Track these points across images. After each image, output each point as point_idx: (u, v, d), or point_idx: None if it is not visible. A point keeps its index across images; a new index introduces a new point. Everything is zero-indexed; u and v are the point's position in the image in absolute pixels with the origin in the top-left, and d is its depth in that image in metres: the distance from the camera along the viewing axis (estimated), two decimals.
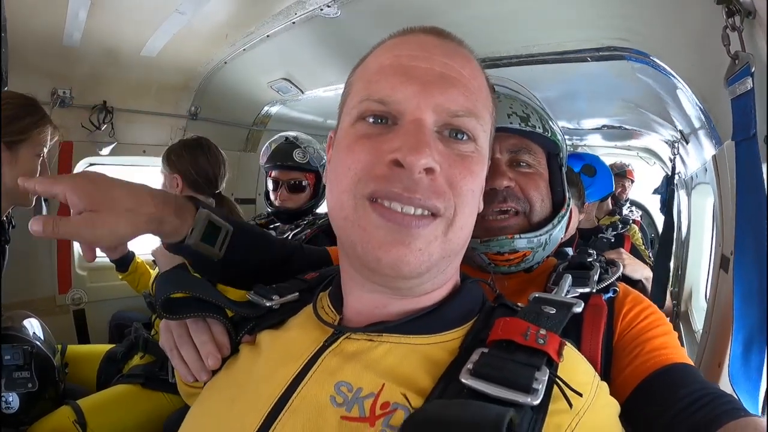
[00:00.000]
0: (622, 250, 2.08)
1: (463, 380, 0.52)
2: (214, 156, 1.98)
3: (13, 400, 1.34)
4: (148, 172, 1.98)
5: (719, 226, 1.31)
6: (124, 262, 2.03)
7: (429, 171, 0.59)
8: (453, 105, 0.61)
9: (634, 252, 2.25)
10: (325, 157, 2.00)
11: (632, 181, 3.56)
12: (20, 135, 1.40)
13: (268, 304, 0.76)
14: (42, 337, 1.62)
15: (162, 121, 2.43)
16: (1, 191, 1.36)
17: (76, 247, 2.30)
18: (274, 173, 2.13)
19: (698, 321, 1.80)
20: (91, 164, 2.26)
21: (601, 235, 2.35)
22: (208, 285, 0.80)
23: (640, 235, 2.85)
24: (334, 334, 0.65)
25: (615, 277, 0.89)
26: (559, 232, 0.97)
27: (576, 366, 0.60)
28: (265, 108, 2.80)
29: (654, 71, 1.39)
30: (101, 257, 2.21)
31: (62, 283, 2.21)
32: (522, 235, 0.91)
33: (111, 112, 2.09)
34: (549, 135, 0.97)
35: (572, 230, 2.18)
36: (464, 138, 0.63)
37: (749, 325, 0.85)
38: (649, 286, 1.97)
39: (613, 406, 0.61)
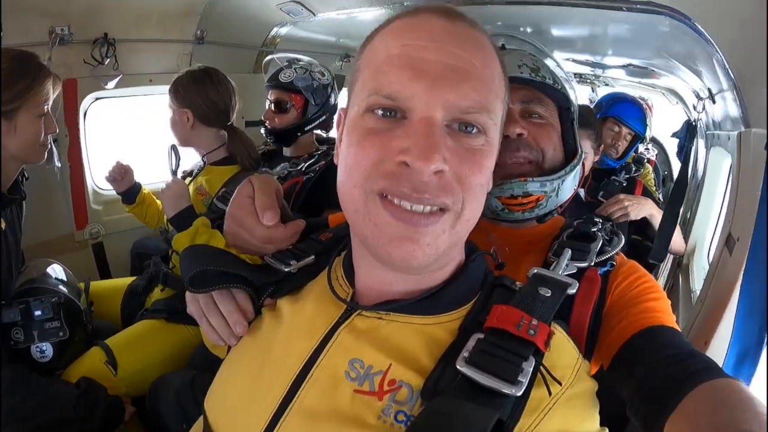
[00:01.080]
0: (622, 195, 2.10)
1: (458, 367, 0.59)
2: (224, 86, 1.91)
3: (47, 349, 1.45)
4: (156, 101, 1.92)
5: (732, 202, 1.30)
6: (131, 194, 2.02)
7: (438, 171, 0.60)
8: (464, 101, 0.61)
9: (647, 196, 2.25)
10: (316, 82, 2.07)
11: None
12: (13, 103, 1.37)
13: (286, 270, 0.81)
14: (66, 281, 1.70)
15: (167, 48, 2.33)
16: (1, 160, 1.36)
17: (90, 183, 2.33)
18: (267, 93, 2.14)
19: (697, 281, 1.83)
20: (97, 98, 2.21)
21: (613, 177, 2.33)
22: (229, 256, 0.84)
23: (653, 176, 2.83)
24: (347, 311, 0.71)
25: (616, 250, 0.93)
26: (572, 180, 1.00)
27: (561, 350, 0.66)
28: (275, 29, 2.67)
29: (693, 34, 1.30)
30: (113, 190, 2.21)
31: (79, 219, 2.26)
32: (535, 179, 0.94)
33: (113, 44, 2.00)
34: (559, 87, 0.99)
35: (587, 170, 2.17)
36: (474, 131, 0.63)
37: (747, 339, 0.89)
38: (655, 222, 2.01)
39: (590, 386, 0.66)
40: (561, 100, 1.02)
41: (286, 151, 2.27)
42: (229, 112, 1.94)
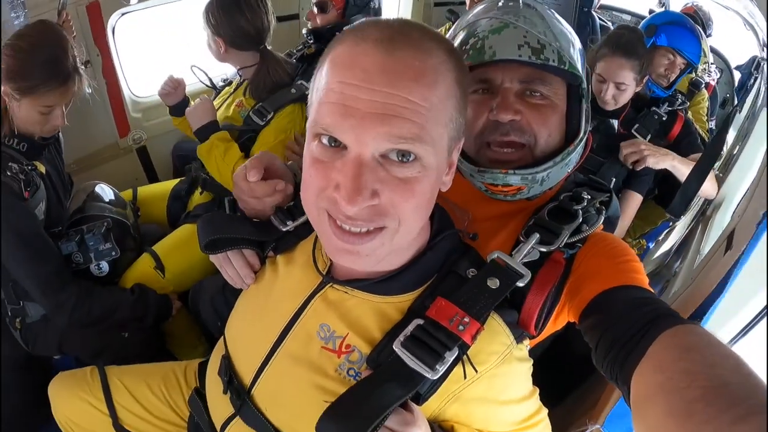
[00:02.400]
0: (640, 140, 1.97)
1: (394, 347, 0.74)
2: (253, 11, 1.85)
3: (103, 265, 1.70)
4: (180, 9, 1.87)
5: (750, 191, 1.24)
6: (181, 107, 2.07)
7: (368, 206, 0.67)
8: (395, 132, 0.65)
9: (684, 135, 2.12)
10: None
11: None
12: (19, 93, 1.45)
13: (284, 229, 0.95)
14: (112, 199, 1.89)
15: None
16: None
17: (127, 93, 2.40)
18: None
19: (709, 242, 1.81)
20: (123, 14, 2.17)
21: (654, 108, 2.16)
22: (238, 221, 0.99)
23: (707, 104, 2.57)
24: (323, 282, 0.87)
25: (590, 231, 0.95)
26: (562, 168, 0.99)
27: (492, 338, 0.78)
28: None
29: None
30: (151, 96, 2.30)
31: (121, 127, 2.39)
32: (516, 171, 0.95)
33: None
34: (566, 67, 0.94)
35: (624, 101, 2.04)
36: (411, 158, 0.67)
37: None
38: (680, 175, 1.91)
39: (516, 367, 0.80)
40: (569, 78, 0.97)
41: None
42: (262, 36, 1.90)
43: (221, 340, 1.04)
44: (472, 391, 0.76)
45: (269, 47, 1.96)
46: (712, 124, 2.65)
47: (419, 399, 0.75)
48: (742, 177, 1.92)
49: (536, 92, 0.96)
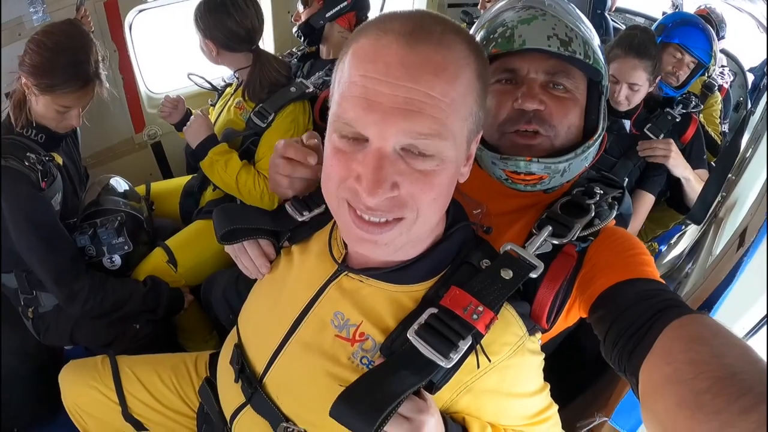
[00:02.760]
0: (671, 141, 1.97)
1: (408, 336, 0.74)
2: (242, 12, 1.84)
3: (116, 259, 1.72)
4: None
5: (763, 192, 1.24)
6: (185, 122, 2.11)
7: (388, 197, 0.69)
8: (417, 128, 0.66)
9: (696, 141, 2.11)
10: None
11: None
12: (38, 88, 1.47)
13: (300, 219, 0.97)
14: (126, 191, 1.92)
15: None
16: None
17: (143, 89, 2.43)
18: None
19: (720, 245, 1.80)
20: (141, 11, 2.21)
21: (668, 110, 2.14)
22: (253, 212, 1.02)
23: (720, 107, 2.54)
24: (338, 270, 0.87)
25: (603, 224, 0.96)
26: (581, 161, 1.00)
27: (505, 329, 0.78)
28: None
29: None
30: (166, 92, 2.33)
31: (136, 123, 2.43)
32: (540, 160, 0.95)
33: None
34: (590, 62, 0.96)
35: (637, 101, 2.03)
36: (429, 153, 0.68)
37: None
38: (689, 188, 1.95)
39: (529, 359, 0.80)
40: (591, 73, 0.98)
41: (322, 52, 2.27)
42: (253, 37, 1.89)
43: (234, 330, 1.05)
44: (484, 382, 0.76)
45: (272, 47, 1.98)
46: (725, 127, 2.62)
47: (432, 388, 0.75)
48: (756, 178, 1.90)
49: (559, 85, 0.98)
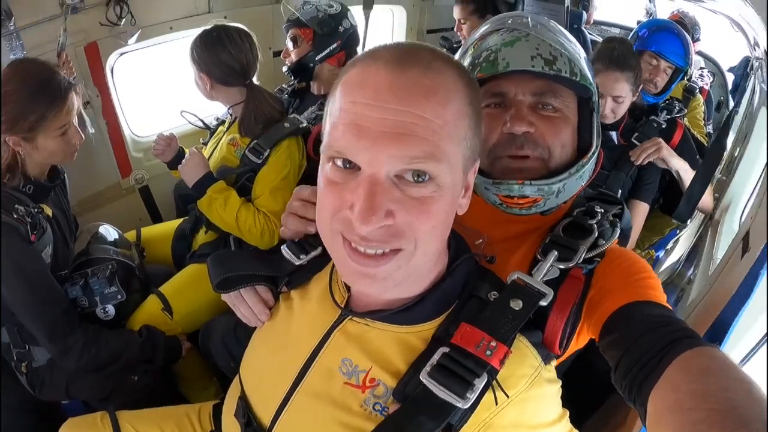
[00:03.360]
0: (656, 137, 2.00)
1: (421, 378, 0.71)
2: (237, 46, 1.84)
3: (109, 309, 1.66)
4: (182, 45, 1.90)
5: (761, 195, 1.24)
6: (178, 161, 2.08)
7: (383, 226, 0.66)
8: (409, 152, 0.64)
9: (685, 144, 2.13)
10: (321, 14, 2.18)
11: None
12: (30, 131, 1.44)
13: (297, 263, 0.94)
14: (117, 239, 1.87)
15: None
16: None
17: (128, 133, 2.42)
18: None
19: (722, 247, 1.80)
20: (122, 54, 2.21)
21: (653, 117, 2.17)
22: (249, 258, 0.99)
23: (702, 109, 2.58)
24: (342, 315, 0.84)
25: (607, 245, 0.94)
26: (576, 180, 0.98)
27: (521, 361, 0.76)
28: None
29: None
30: (152, 135, 2.31)
31: (122, 168, 2.40)
32: (533, 182, 0.93)
33: (125, 1, 1.94)
34: (578, 79, 0.94)
35: (622, 113, 2.05)
36: (426, 179, 0.66)
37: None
38: (687, 179, 1.94)
39: (546, 389, 0.76)
40: (580, 90, 0.97)
41: (313, 88, 2.28)
42: (247, 71, 1.89)
43: (236, 380, 1.00)
44: (503, 417, 0.72)
45: (257, 82, 1.96)
46: (710, 128, 2.66)
47: (451, 430, 0.72)
48: (747, 177, 1.92)
49: (548, 105, 0.96)
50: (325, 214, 0.71)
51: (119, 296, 1.66)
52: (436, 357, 0.73)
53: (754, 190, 1.80)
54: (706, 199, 2.01)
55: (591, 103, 0.99)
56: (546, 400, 0.77)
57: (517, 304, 0.77)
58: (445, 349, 0.73)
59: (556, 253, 0.91)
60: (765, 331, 0.99)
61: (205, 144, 2.18)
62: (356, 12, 2.93)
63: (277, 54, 2.44)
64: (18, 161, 1.48)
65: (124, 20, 1.98)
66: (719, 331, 1.05)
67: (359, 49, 3.24)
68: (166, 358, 1.79)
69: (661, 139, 1.97)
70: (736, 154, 2.28)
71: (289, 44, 2.28)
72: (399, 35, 3.50)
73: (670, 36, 2.28)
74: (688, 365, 0.66)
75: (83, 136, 1.58)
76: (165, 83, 2.70)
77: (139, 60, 2.44)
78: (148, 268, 2.02)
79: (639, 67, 2.02)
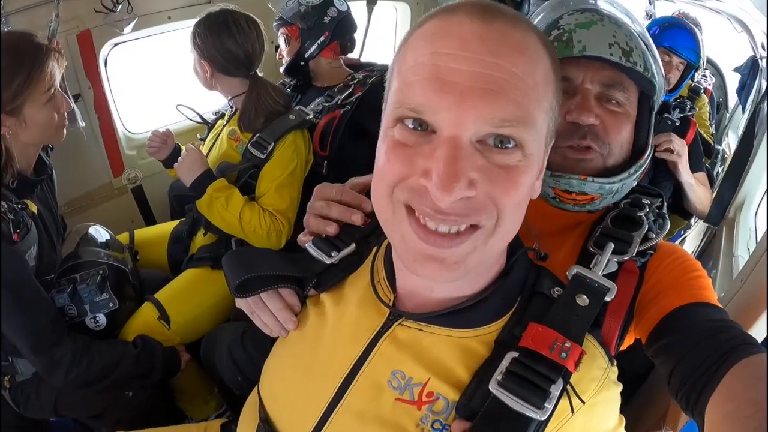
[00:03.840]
0: (673, 137, 1.95)
1: (491, 389, 0.63)
2: (243, 34, 1.73)
3: (100, 318, 1.53)
4: (180, 36, 1.81)
5: None
6: (174, 158, 1.96)
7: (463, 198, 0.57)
8: (499, 113, 0.56)
9: (695, 146, 2.12)
10: (303, 7, 2.03)
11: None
12: (15, 101, 1.33)
13: (328, 262, 0.83)
14: (108, 240, 1.74)
15: None
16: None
17: (121, 129, 2.29)
18: None
19: (741, 244, 1.77)
20: (116, 44, 2.09)
21: (666, 115, 2.16)
22: (271, 256, 0.87)
23: (708, 108, 2.61)
24: (389, 319, 0.73)
25: (660, 237, 0.91)
26: (632, 181, 0.95)
27: (591, 363, 0.68)
28: None
29: None
30: (146, 132, 2.19)
31: (115, 166, 2.27)
32: (595, 179, 0.90)
33: None
34: (648, 75, 0.91)
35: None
36: (511, 145, 0.58)
37: None
38: (692, 193, 1.95)
39: (614, 392, 0.69)
40: (646, 87, 0.93)
41: (316, 82, 2.18)
42: (252, 61, 1.78)
43: (253, 400, 0.86)
44: (571, 425, 0.65)
45: (261, 74, 1.86)
46: (712, 129, 2.69)
47: None
48: (760, 175, 1.90)
49: (613, 99, 0.92)
50: (385, 184, 0.61)
51: (111, 304, 1.52)
52: (504, 363, 0.64)
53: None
54: (706, 201, 2.00)
55: (651, 101, 0.95)
56: (612, 404, 0.69)
57: (583, 301, 0.70)
58: (514, 354, 0.65)
59: (612, 245, 0.85)
60: None
61: (203, 140, 2.06)
62: (360, 6, 2.88)
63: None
64: (11, 155, 1.36)
65: (120, 7, 1.87)
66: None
67: (360, 43, 3.21)
68: (164, 372, 1.65)
69: (686, 147, 1.94)
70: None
71: (282, 44, 2.17)
72: (402, 32, 3.45)
73: (682, 32, 2.28)
74: (746, 373, 0.64)
75: (71, 104, 1.46)
76: (161, 77, 2.60)
77: (135, 51, 2.33)
78: (142, 273, 1.90)
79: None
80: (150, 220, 2.50)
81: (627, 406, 1.34)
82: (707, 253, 2.13)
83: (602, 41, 0.87)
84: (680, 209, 2.15)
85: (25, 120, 1.36)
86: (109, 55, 2.15)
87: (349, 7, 2.14)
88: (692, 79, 2.54)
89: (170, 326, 1.73)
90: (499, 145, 0.57)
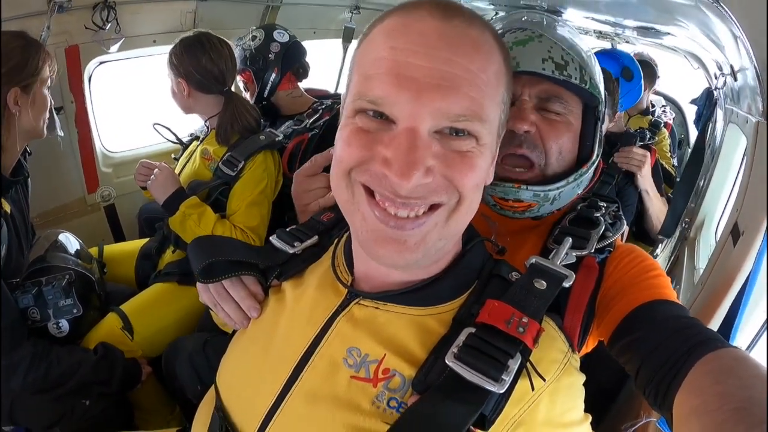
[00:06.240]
0: (635, 148, 2.08)
1: (447, 362, 0.62)
2: (216, 52, 1.82)
3: (63, 324, 1.51)
4: (162, 61, 1.87)
5: (742, 191, 1.28)
6: None
7: (421, 184, 0.60)
8: (455, 108, 0.59)
9: (655, 172, 2.22)
10: (247, 51, 2.10)
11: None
12: (33, 76, 1.40)
13: (291, 251, 0.85)
14: (77, 249, 1.73)
15: (170, 8, 2.24)
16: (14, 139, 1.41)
17: (99, 146, 2.32)
18: None
19: (702, 259, 1.83)
20: (102, 62, 2.16)
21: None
22: (235, 243, 0.89)
23: (668, 141, 2.74)
24: (346, 299, 0.74)
25: (617, 236, 0.94)
26: (573, 189, 0.96)
27: (550, 344, 0.68)
28: None
29: (719, 11, 1.22)
30: (123, 151, 2.22)
31: (90, 182, 2.28)
32: (529, 187, 0.91)
33: (113, 7, 1.92)
34: (586, 86, 0.92)
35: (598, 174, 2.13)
36: (465, 133, 0.61)
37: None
38: (649, 202, 2.06)
39: (576, 379, 0.69)
40: (587, 98, 0.95)
41: (283, 112, 2.25)
42: (225, 77, 1.86)
43: (210, 391, 0.85)
44: (535, 411, 0.63)
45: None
46: (674, 161, 2.81)
47: (485, 423, 0.61)
48: (719, 193, 1.99)
49: (551, 110, 0.94)
50: (343, 167, 0.63)
51: (75, 310, 1.50)
52: (461, 338, 0.64)
53: (727, 202, 1.88)
54: (661, 216, 2.09)
55: (597, 112, 0.98)
56: (575, 393, 0.68)
57: (541, 285, 0.71)
58: (471, 330, 0.65)
59: (570, 239, 0.88)
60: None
61: (177, 159, 2.10)
62: (336, 44, 3.02)
63: None
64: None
65: (109, 26, 1.95)
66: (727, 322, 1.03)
67: (336, 77, 3.31)
68: (124, 381, 1.61)
69: (648, 155, 2.05)
70: (702, 185, 2.39)
71: (242, 89, 2.25)
72: None
73: (601, 57, 2.38)
74: (711, 367, 0.64)
75: (54, 113, 1.53)
76: (142, 100, 2.65)
77: (118, 72, 2.40)
78: (109, 287, 1.88)
79: (617, 93, 2.12)
80: (120, 239, 2.48)
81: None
82: (672, 273, 2.18)
83: (535, 57, 0.90)
84: (644, 234, 2.22)
85: (34, 98, 1.42)
86: (94, 72, 2.21)
87: (291, 36, 2.19)
88: (652, 114, 2.68)
89: (133, 337, 1.71)
90: (454, 135, 0.61)
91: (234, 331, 0.88)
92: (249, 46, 2.12)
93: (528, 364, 0.63)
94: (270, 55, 2.12)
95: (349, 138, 0.63)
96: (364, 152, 0.61)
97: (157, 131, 2.00)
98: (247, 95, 2.23)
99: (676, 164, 2.80)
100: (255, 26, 2.21)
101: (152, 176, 1.78)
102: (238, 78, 2.18)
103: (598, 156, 0.99)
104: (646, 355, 0.74)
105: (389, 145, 0.59)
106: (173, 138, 2.07)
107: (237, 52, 2.08)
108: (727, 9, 1.14)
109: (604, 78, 1.87)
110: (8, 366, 1.34)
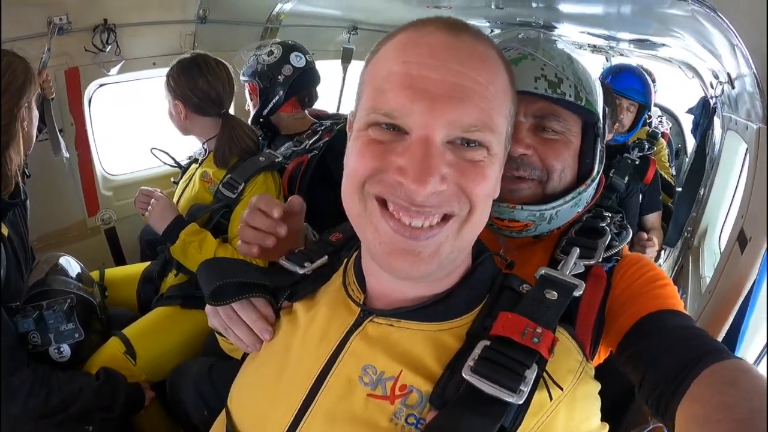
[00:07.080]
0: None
1: (464, 375, 0.61)
2: (214, 74, 1.81)
3: (65, 349, 1.48)
4: (159, 86, 1.87)
5: (746, 197, 1.28)
6: None
7: (436, 192, 0.61)
8: (466, 119, 0.60)
9: (654, 184, 2.23)
10: (260, 65, 2.07)
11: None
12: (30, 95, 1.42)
13: (301, 272, 0.84)
14: (78, 273, 1.71)
15: (169, 30, 2.26)
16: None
17: (99, 169, 2.32)
18: None
19: (707, 267, 1.83)
20: (101, 84, 2.17)
21: (626, 155, 2.27)
22: (244, 265, 0.86)
23: (666, 151, 2.76)
24: (360, 317, 0.73)
25: (623, 244, 0.94)
26: (571, 207, 0.96)
27: (565, 354, 0.68)
28: (279, 5, 2.59)
29: (716, 21, 1.24)
30: (123, 174, 2.21)
31: (90, 206, 2.28)
32: (525, 207, 0.91)
33: (113, 29, 1.94)
34: (582, 103, 0.91)
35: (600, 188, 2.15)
36: (476, 144, 0.62)
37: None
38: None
39: (592, 387, 0.69)
40: (585, 115, 0.94)
41: (282, 131, 2.25)
42: (222, 100, 1.85)
43: (221, 416, 0.83)
44: (554, 421, 0.63)
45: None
46: (672, 171, 2.83)
47: None
48: (720, 201, 2.00)
49: (550, 128, 0.93)
50: (356, 179, 0.64)
51: (77, 335, 1.48)
52: (477, 351, 0.64)
53: (729, 209, 1.88)
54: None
55: (596, 129, 0.97)
56: (592, 402, 0.68)
57: (552, 295, 0.72)
58: (486, 343, 0.65)
59: (578, 249, 0.88)
60: None
61: (176, 183, 2.08)
62: (336, 65, 3.05)
63: None
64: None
65: (109, 48, 1.96)
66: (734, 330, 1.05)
67: (336, 99, 3.33)
68: (126, 407, 1.57)
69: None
70: (702, 193, 2.40)
71: (247, 98, 2.23)
72: None
73: (627, 75, 2.44)
74: (715, 378, 0.64)
75: (57, 134, 1.56)
76: (142, 122, 2.65)
77: (118, 95, 2.41)
78: (110, 311, 1.85)
79: (615, 105, 2.14)
80: (120, 262, 2.47)
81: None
82: (677, 283, 2.18)
83: (528, 76, 0.89)
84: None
85: (32, 114, 1.44)
86: (94, 95, 2.22)
87: (309, 62, 2.15)
88: (646, 122, 2.70)
89: (136, 362, 1.67)
90: (466, 145, 0.62)
91: (244, 355, 0.86)
92: (263, 61, 2.09)
93: (545, 374, 0.63)
94: (280, 77, 2.09)
95: (362, 149, 0.63)
96: (378, 162, 0.62)
97: (155, 155, 2.00)
98: (249, 104, 2.22)
99: (674, 173, 2.81)
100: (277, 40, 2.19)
101: (150, 206, 1.77)
102: (246, 86, 2.17)
103: (598, 173, 0.98)
104: (650, 365, 0.74)
105: (403, 154, 0.60)
106: (171, 162, 2.06)
107: (251, 61, 2.10)
108: (724, 19, 1.16)
109: (603, 91, 1.91)
110: (8, 391, 1.31)
